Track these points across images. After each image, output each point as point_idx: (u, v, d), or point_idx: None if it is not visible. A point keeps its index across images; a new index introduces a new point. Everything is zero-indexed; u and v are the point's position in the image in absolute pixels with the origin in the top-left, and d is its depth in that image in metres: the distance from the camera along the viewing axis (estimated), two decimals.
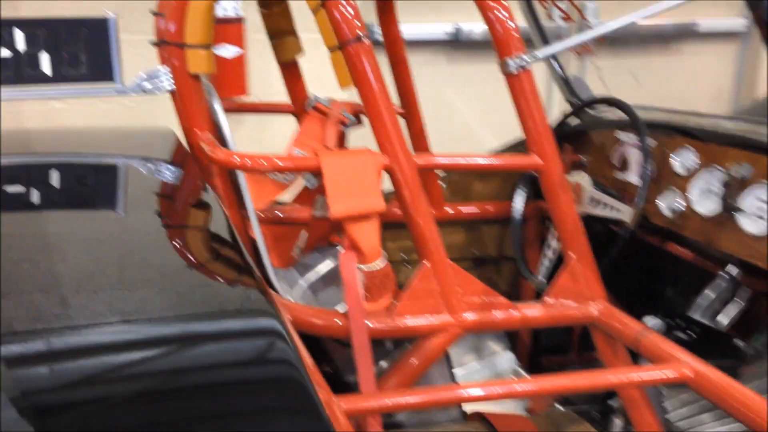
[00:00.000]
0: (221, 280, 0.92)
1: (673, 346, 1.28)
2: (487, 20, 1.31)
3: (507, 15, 1.30)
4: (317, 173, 1.27)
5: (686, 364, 1.22)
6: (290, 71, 1.74)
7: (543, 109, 1.35)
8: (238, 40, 2.76)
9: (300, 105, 1.76)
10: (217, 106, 1.33)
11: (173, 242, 1.01)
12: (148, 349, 0.71)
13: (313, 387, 0.67)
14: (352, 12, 1.22)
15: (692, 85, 4.00)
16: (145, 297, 0.80)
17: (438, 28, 3.13)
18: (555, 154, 1.35)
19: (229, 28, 2.77)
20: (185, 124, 1.34)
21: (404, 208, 1.29)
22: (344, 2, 1.21)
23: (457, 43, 3.15)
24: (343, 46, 1.22)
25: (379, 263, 1.27)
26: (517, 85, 1.32)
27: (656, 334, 1.31)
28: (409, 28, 1.86)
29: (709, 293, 1.59)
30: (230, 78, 2.83)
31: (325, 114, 1.70)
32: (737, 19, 4.11)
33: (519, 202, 1.93)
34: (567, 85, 2.05)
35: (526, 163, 1.37)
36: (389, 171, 1.27)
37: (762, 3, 1.48)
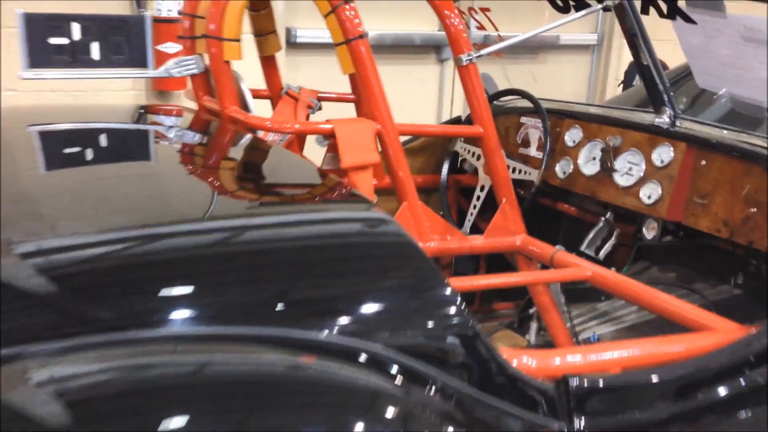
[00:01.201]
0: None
1: (577, 257, 1.83)
2: (445, 25, 1.80)
3: (458, 21, 1.80)
4: (329, 135, 1.71)
5: (587, 268, 1.76)
6: (269, 64, 2.14)
7: (484, 91, 1.86)
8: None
9: (275, 91, 2.17)
10: (244, 86, 1.74)
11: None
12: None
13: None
14: (355, 15, 1.66)
15: (555, 88, 4.70)
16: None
17: None
18: (492, 126, 1.87)
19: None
20: (220, 98, 1.73)
21: (389, 162, 1.75)
22: (348, 8, 1.66)
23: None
24: (348, 41, 1.66)
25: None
26: (466, 74, 1.82)
27: (564, 251, 1.85)
28: None
29: (593, 234, 2.15)
30: None
31: (296, 99, 2.12)
32: (591, 35, 4.86)
33: (445, 172, 2.43)
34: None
35: (473, 131, 1.87)
36: (379, 134, 1.72)
37: (627, 16, 2.06)
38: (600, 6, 2.05)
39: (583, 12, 2.04)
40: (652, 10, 1.99)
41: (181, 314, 0.92)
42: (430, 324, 1.04)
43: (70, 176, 1.36)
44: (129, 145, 1.68)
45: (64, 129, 1.70)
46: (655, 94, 2.08)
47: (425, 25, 3.96)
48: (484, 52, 1.92)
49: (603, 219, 2.14)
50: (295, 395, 0.87)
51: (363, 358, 0.94)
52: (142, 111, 2.12)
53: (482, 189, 2.14)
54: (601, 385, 1.13)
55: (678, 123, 2.04)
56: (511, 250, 1.97)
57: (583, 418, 1.11)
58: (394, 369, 0.95)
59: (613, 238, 2.15)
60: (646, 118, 2.12)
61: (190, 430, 0.78)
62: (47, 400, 0.78)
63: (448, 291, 1.05)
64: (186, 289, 0.96)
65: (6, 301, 0.87)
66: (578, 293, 2.10)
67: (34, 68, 1.68)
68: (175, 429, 0.78)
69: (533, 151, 2.31)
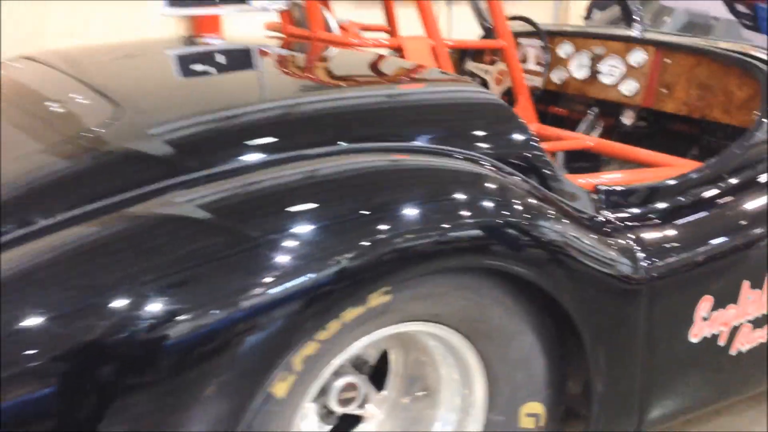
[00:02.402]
0: None
1: (580, 135, 2.46)
2: None
3: None
4: (397, 50, 2.29)
5: (589, 138, 2.40)
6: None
7: (504, 16, 2.47)
8: None
9: None
10: (328, 15, 2.31)
11: None
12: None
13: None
14: None
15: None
16: None
17: None
18: (512, 40, 2.47)
19: None
20: (311, 25, 2.29)
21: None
22: None
23: None
24: None
25: None
26: (494, 4, 2.42)
27: (571, 133, 2.48)
28: None
29: (584, 125, 2.79)
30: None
31: (346, 30, 2.69)
32: None
33: None
34: (480, 13, 3.17)
35: (497, 44, 2.47)
36: (433, 48, 2.31)
37: None
38: None
39: None
40: None
41: (320, 138, 1.49)
42: (514, 149, 1.65)
43: (233, 76, 1.94)
44: (251, 56, 2.21)
45: (201, 50, 2.26)
46: (627, 12, 2.71)
47: None
48: None
49: (590, 113, 2.78)
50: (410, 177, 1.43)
51: (461, 156, 1.55)
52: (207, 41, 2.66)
53: None
54: (618, 189, 1.77)
55: (646, 33, 2.68)
56: None
57: (608, 210, 1.74)
58: (488, 163, 1.56)
59: (598, 127, 2.79)
60: (621, 32, 2.75)
61: (327, 209, 1.30)
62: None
63: (525, 125, 1.67)
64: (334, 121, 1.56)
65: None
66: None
67: (173, 7, 2.22)
68: (313, 208, 1.31)
69: (531, 65, 2.92)
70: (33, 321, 1.11)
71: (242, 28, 3.44)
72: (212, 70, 2.01)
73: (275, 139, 1.48)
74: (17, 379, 1.10)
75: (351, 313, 1.32)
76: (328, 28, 2.33)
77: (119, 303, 1.14)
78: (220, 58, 2.11)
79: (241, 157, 1.41)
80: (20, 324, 1.11)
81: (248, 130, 1.51)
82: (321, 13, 2.30)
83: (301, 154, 1.44)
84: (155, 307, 1.15)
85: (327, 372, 1.41)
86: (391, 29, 2.78)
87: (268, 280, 1.20)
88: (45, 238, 1.23)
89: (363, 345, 1.45)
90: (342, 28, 2.67)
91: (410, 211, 1.35)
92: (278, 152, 1.44)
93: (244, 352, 1.20)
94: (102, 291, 1.15)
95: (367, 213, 1.32)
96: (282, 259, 1.22)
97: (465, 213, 1.40)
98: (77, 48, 2.23)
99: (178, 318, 1.16)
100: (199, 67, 2.05)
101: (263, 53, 2.16)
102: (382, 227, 1.31)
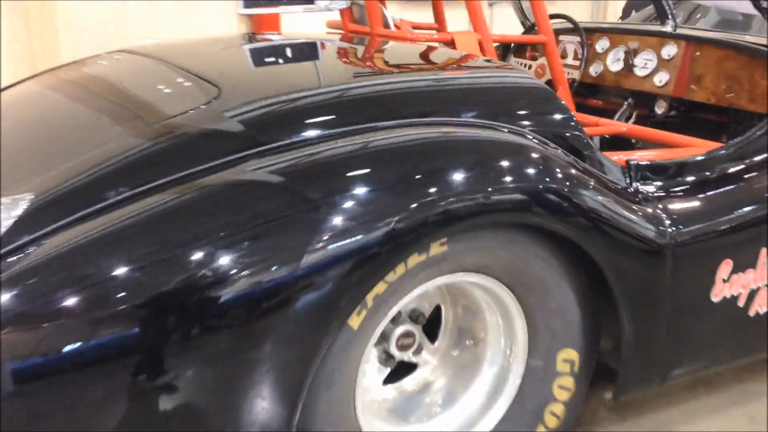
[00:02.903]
0: None
1: (614, 122, 2.68)
2: None
3: None
4: (449, 43, 2.53)
5: (623, 124, 2.61)
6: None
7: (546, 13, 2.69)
8: None
9: None
10: (387, 13, 2.56)
11: None
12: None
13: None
14: None
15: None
16: None
17: None
18: (552, 35, 2.70)
19: None
20: (371, 22, 2.55)
21: None
22: None
23: None
24: None
25: None
26: (537, 3, 2.65)
27: (608, 119, 2.70)
28: None
29: (619, 114, 3.00)
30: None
31: (399, 28, 2.95)
32: None
33: None
34: (522, 12, 3.41)
35: (539, 39, 2.70)
36: (480, 42, 2.55)
37: None
38: None
39: None
40: None
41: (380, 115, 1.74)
42: (556, 128, 1.88)
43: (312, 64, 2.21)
44: (320, 48, 2.47)
45: (276, 44, 2.53)
46: (661, 10, 2.92)
47: None
48: None
49: (626, 103, 2.99)
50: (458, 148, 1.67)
51: (508, 130, 1.79)
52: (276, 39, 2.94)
53: None
54: (647, 164, 1.98)
55: (678, 29, 2.89)
56: None
57: (638, 182, 1.96)
58: (532, 137, 1.79)
59: (633, 117, 3.00)
60: (654, 28, 2.96)
61: (397, 171, 1.56)
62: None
63: (566, 107, 1.90)
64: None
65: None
66: None
67: (248, 7, 2.49)
68: (387, 171, 1.55)
69: (570, 60, 3.14)
70: (121, 270, 1.35)
71: (299, 26, 3.72)
72: (287, 60, 2.29)
73: (340, 116, 1.73)
74: (107, 320, 1.32)
75: (414, 259, 1.56)
76: (386, 25, 2.58)
77: (200, 254, 1.37)
78: (293, 51, 2.38)
79: (310, 131, 1.66)
80: (112, 273, 1.35)
81: (315, 109, 1.76)
82: (380, 11, 2.55)
83: (364, 127, 1.69)
84: (253, 253, 1.41)
85: (391, 312, 1.65)
86: (439, 26, 3.03)
87: (351, 227, 1.45)
88: (141, 200, 1.48)
89: (423, 291, 1.69)
90: (395, 25, 2.93)
91: (463, 174, 1.59)
92: (342, 126, 1.68)
93: (329, 289, 1.45)
94: (182, 245, 1.38)
95: (426, 175, 1.57)
96: (364, 209, 1.48)
97: (511, 177, 1.64)
98: (164, 43, 2.52)
99: (275, 260, 1.41)
100: (274, 58, 2.32)
101: (331, 46, 2.43)
102: (440, 186, 1.55)
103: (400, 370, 1.89)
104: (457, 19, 2.62)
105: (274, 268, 1.40)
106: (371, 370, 1.83)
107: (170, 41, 2.66)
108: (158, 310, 1.34)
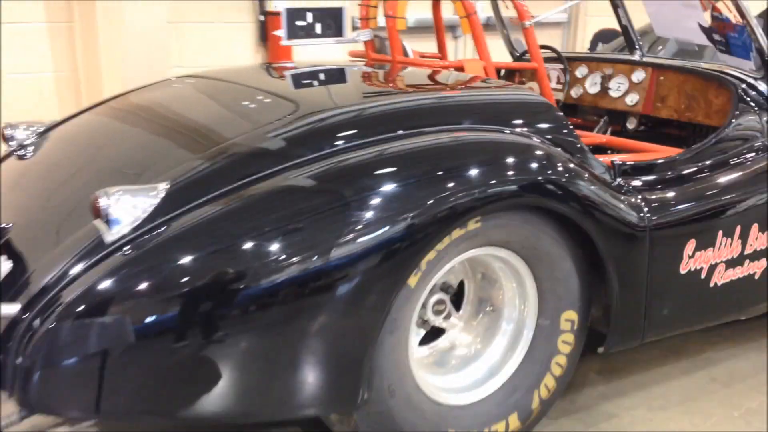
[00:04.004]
0: None
1: (596, 134, 3.19)
2: (516, 5, 3.14)
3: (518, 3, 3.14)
4: (459, 68, 3.02)
5: (602, 136, 3.12)
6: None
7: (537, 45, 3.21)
8: None
9: None
10: (405, 44, 3.05)
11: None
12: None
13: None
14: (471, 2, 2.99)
15: None
16: None
17: None
18: (542, 62, 3.21)
19: None
20: (393, 50, 3.03)
21: None
22: None
23: None
24: (468, 16, 2.98)
25: None
26: (528, 32, 3.16)
27: (589, 132, 3.22)
28: None
29: (596, 130, 3.52)
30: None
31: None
32: (562, 14, 6.26)
33: None
34: (510, 43, 3.93)
35: (531, 65, 3.21)
36: (484, 67, 3.04)
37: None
38: None
39: None
40: None
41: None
42: (555, 133, 2.38)
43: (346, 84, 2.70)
44: (348, 71, 2.94)
45: (311, 69, 3.00)
46: (630, 41, 3.46)
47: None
48: (537, 19, 3.27)
49: (602, 120, 3.51)
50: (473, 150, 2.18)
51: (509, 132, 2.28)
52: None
53: None
54: (627, 164, 2.48)
55: (645, 58, 3.43)
56: None
57: (620, 178, 2.45)
58: (535, 138, 2.28)
59: (608, 132, 3.52)
60: (625, 57, 3.50)
61: (445, 168, 2.03)
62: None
63: (562, 116, 2.40)
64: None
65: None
66: None
67: (290, 39, 2.96)
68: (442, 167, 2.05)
69: (554, 84, 3.66)
70: (187, 259, 1.79)
71: (308, 56, 4.20)
72: (322, 84, 2.77)
73: (365, 129, 2.16)
74: (171, 301, 1.72)
75: (457, 233, 2.03)
76: (405, 53, 3.07)
77: (255, 243, 1.81)
78: (327, 75, 2.86)
79: (340, 143, 2.09)
80: (179, 262, 1.77)
81: (344, 124, 2.19)
82: (401, 42, 3.04)
83: (411, 132, 2.16)
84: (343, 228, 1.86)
85: (437, 276, 2.11)
86: (442, 55, 3.54)
87: (418, 208, 1.91)
88: (203, 207, 1.91)
89: (459, 261, 2.15)
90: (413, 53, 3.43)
91: (491, 166, 2.08)
92: (367, 137, 2.11)
93: (396, 256, 1.90)
94: (235, 237, 1.81)
95: (464, 168, 2.05)
96: (420, 194, 1.94)
97: (527, 168, 2.13)
98: (216, 70, 2.99)
99: (364, 232, 1.86)
100: (309, 82, 2.80)
101: (358, 72, 2.91)
102: (475, 176, 2.03)
103: (428, 336, 2.34)
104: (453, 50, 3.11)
105: (361, 239, 1.86)
106: (412, 334, 2.28)
107: (216, 70, 3.11)
108: (278, 279, 1.79)
